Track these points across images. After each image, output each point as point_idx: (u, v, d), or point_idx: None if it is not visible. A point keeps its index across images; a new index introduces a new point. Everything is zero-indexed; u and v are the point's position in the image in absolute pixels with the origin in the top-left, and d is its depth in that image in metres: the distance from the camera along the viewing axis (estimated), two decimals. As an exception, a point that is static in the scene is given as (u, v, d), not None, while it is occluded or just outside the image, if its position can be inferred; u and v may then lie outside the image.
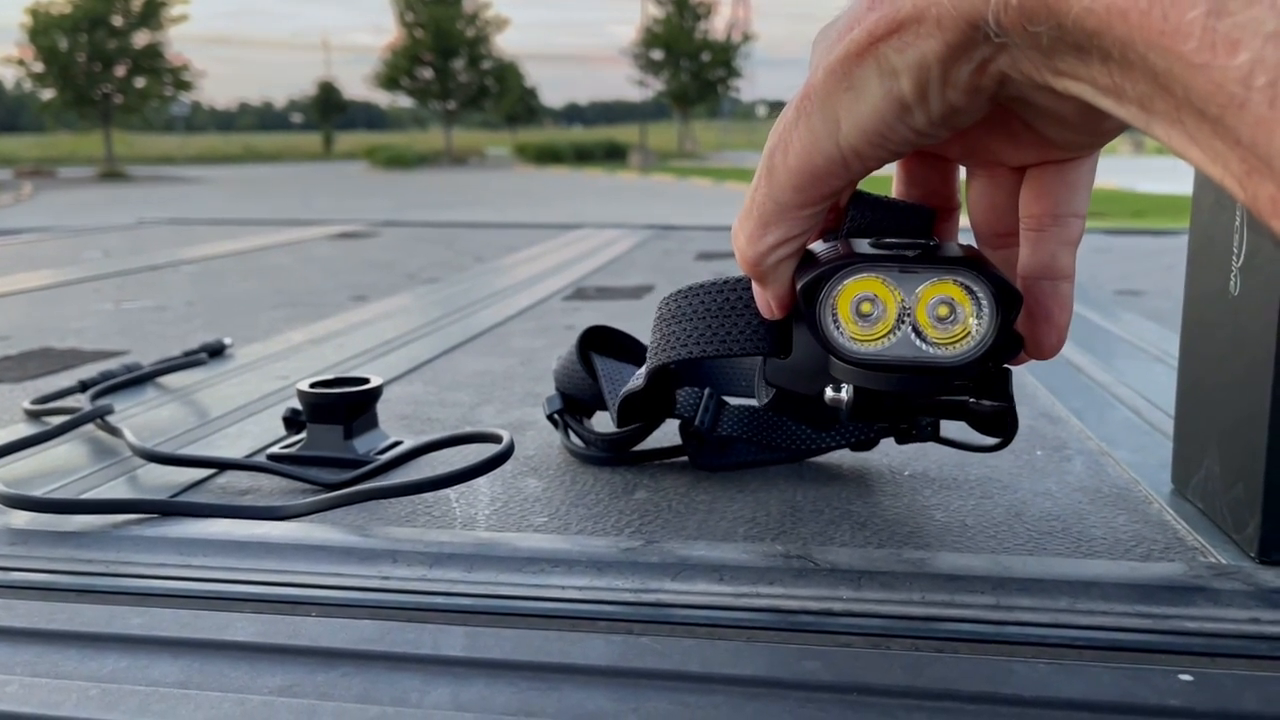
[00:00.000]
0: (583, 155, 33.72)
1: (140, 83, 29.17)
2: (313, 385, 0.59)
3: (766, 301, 0.38)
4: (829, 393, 0.37)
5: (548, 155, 33.18)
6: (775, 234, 0.35)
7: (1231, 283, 0.47)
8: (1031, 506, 0.52)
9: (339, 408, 0.58)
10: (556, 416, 0.63)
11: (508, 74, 39.87)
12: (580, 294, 1.32)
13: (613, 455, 0.60)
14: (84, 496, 0.54)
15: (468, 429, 0.60)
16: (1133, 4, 0.24)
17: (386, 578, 0.43)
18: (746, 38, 38.71)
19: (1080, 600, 0.40)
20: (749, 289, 0.41)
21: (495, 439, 0.54)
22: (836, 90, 0.30)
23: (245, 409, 0.72)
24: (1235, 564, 0.44)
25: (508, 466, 0.57)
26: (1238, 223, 0.46)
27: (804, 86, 0.31)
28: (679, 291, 0.44)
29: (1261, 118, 0.22)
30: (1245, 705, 0.34)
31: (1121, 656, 0.37)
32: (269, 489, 0.55)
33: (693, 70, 37.75)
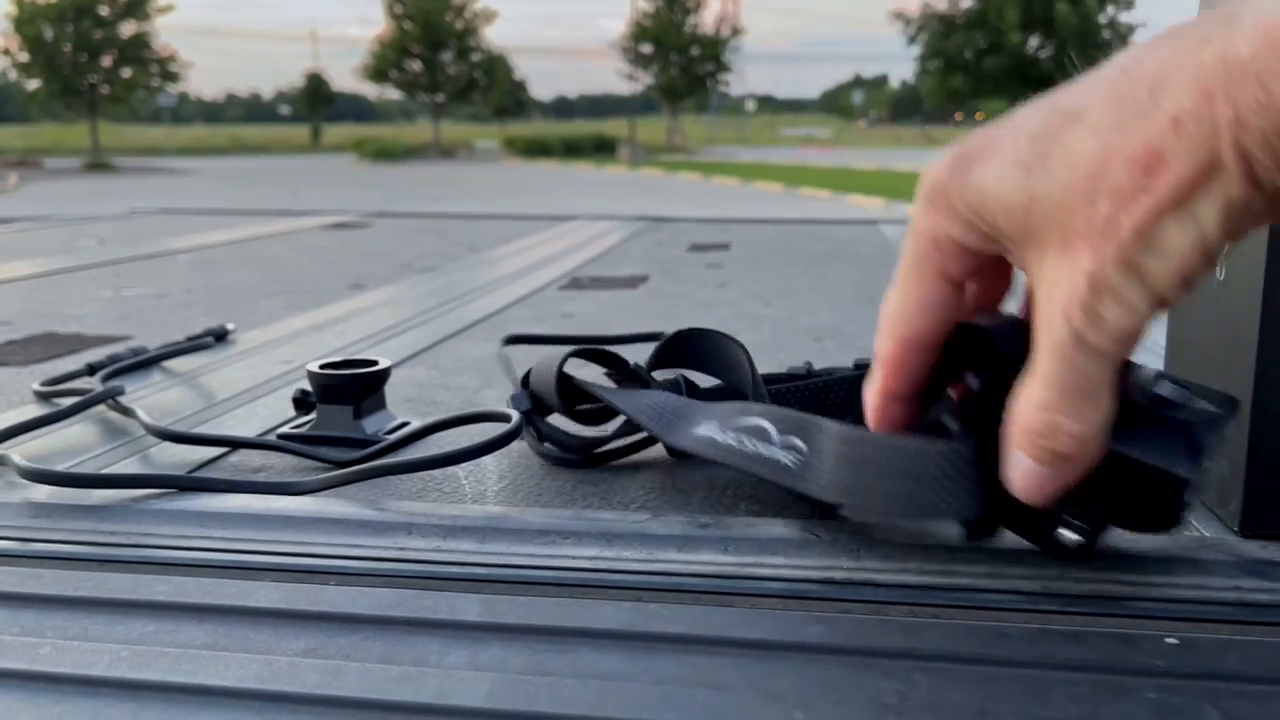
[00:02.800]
0: (571, 149, 33.70)
1: (127, 73, 29.01)
2: (322, 367, 0.61)
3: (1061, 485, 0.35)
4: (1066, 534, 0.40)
5: (536, 149, 33.15)
6: (1103, 406, 0.33)
7: (1218, 268, 0.49)
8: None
9: (349, 389, 0.60)
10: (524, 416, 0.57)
11: (496, 67, 39.80)
12: (576, 283, 1.34)
13: (587, 458, 0.57)
14: (103, 472, 0.55)
15: (474, 409, 0.62)
16: None
17: (402, 548, 0.45)
18: (736, 32, 38.74)
19: (1071, 569, 0.42)
20: (962, 457, 0.38)
21: (503, 418, 0.55)
22: (1137, 259, 0.29)
23: (251, 391, 0.73)
24: (1219, 537, 0.46)
25: (514, 445, 0.58)
26: (1223, 210, 0.48)
27: (1091, 265, 0.29)
28: (875, 442, 0.40)
29: None
30: (1228, 666, 0.36)
31: (1111, 621, 0.39)
32: (281, 466, 0.57)
33: (682, 64, 37.76)
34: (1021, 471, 0.35)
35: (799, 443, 0.44)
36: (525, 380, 0.58)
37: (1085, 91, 0.30)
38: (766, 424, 0.45)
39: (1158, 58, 0.28)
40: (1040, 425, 0.33)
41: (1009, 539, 0.45)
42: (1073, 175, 0.29)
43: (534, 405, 0.57)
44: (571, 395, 0.56)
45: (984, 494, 0.38)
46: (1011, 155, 0.30)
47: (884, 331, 0.37)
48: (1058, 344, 0.31)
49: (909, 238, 0.35)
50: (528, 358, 0.65)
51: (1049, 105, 0.31)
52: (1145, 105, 0.27)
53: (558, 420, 0.58)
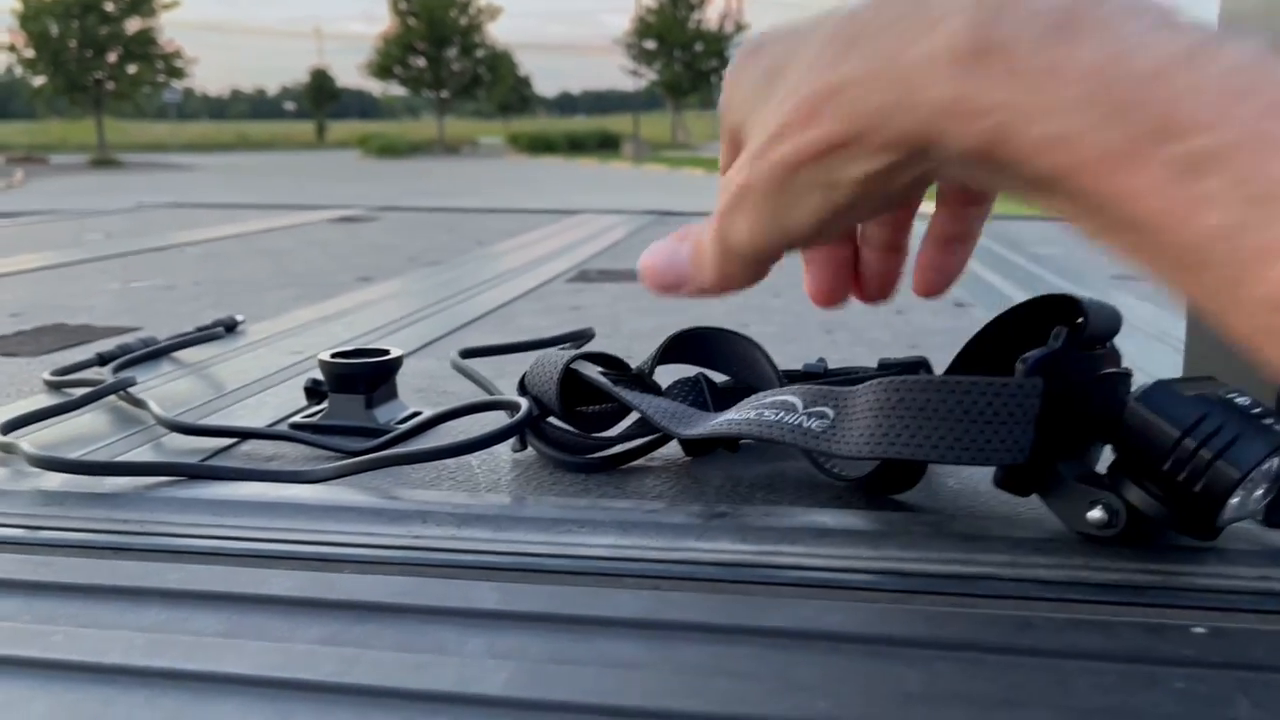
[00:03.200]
0: (576, 145, 33.69)
1: (132, 69, 29.04)
2: (334, 356, 0.60)
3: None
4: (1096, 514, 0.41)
5: (541, 145, 33.14)
6: (737, 275, 0.35)
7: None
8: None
9: (361, 378, 0.59)
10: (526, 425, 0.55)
11: (500, 63, 39.78)
12: (583, 276, 1.33)
13: (598, 461, 0.54)
14: (115, 460, 0.54)
15: (485, 398, 0.61)
16: (1084, 163, 0.24)
17: (417, 536, 0.44)
18: (739, 28, 38.69)
19: (1095, 558, 0.41)
20: (1027, 394, 0.39)
21: (515, 406, 0.55)
22: (774, 193, 0.31)
23: (262, 382, 0.73)
24: (1244, 527, 0.45)
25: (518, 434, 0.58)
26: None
27: (743, 177, 0.31)
28: (926, 382, 0.41)
29: (1225, 278, 0.22)
30: (1256, 656, 0.35)
31: (1137, 611, 0.38)
32: (293, 456, 0.56)
33: (686, 60, 37.73)
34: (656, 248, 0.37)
35: (827, 410, 0.43)
36: (521, 385, 0.56)
37: (825, 26, 0.30)
38: (792, 398, 0.45)
39: (886, 18, 0.28)
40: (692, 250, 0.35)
41: (1030, 529, 0.44)
42: (770, 101, 0.31)
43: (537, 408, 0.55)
44: (572, 399, 0.54)
45: (1034, 443, 0.39)
46: (763, 64, 0.32)
47: None
48: (718, 204, 0.33)
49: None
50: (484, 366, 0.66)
51: (808, 25, 0.32)
52: (842, 58, 0.29)
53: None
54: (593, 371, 0.54)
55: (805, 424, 0.43)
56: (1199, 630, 0.37)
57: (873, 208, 0.31)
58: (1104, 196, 0.24)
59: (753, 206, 0.32)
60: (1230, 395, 0.39)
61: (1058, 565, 0.41)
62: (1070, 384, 0.40)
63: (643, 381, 0.56)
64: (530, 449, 0.55)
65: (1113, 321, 0.42)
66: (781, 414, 0.44)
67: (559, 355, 0.54)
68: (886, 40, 0.27)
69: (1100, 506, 0.40)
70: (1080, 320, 0.40)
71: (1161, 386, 0.40)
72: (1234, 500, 0.38)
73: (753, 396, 0.48)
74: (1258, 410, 0.39)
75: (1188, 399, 0.39)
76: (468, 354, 0.70)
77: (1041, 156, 0.25)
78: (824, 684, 0.33)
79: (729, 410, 0.48)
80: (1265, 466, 0.38)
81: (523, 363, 0.58)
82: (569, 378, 0.53)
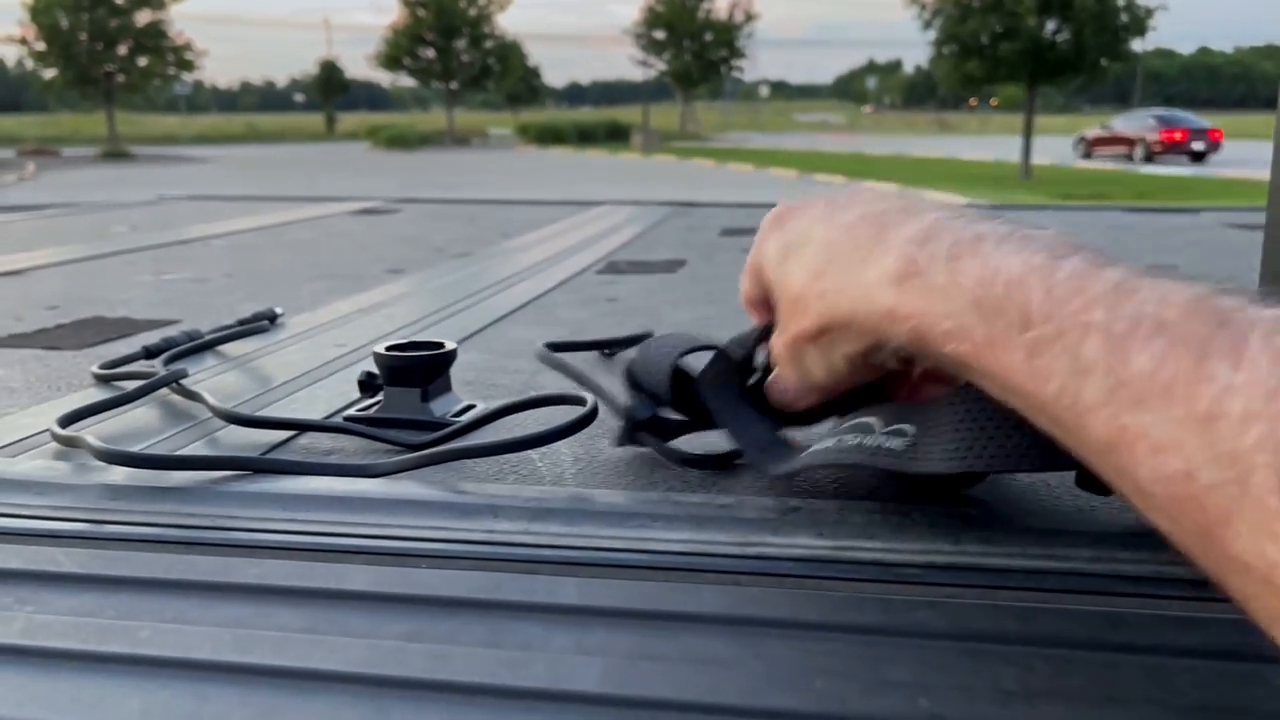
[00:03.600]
0: (585, 136, 33.63)
1: (143, 62, 29.03)
2: (389, 349, 0.60)
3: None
4: None
5: (550, 136, 33.10)
6: (801, 401, 0.49)
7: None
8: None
9: (418, 371, 0.59)
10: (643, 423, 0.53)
11: (510, 54, 39.69)
12: (613, 268, 1.33)
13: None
14: (178, 453, 0.54)
15: (542, 392, 0.61)
16: (976, 350, 0.34)
17: (490, 531, 0.44)
18: (749, 18, 38.53)
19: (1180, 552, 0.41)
20: None
21: (579, 401, 0.54)
22: (794, 360, 0.45)
23: (310, 375, 0.73)
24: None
25: (588, 429, 0.58)
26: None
27: (776, 348, 0.46)
28: None
29: (1072, 428, 0.31)
30: (1354, 653, 0.35)
31: (1227, 606, 0.37)
32: (351, 449, 0.56)
33: (695, 50, 37.60)
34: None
35: (906, 427, 0.43)
36: (633, 381, 0.54)
37: (826, 228, 0.43)
38: (869, 419, 0.45)
39: (857, 251, 0.40)
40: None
41: (1111, 523, 0.44)
42: (783, 283, 0.44)
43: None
44: (682, 393, 0.52)
45: None
46: (783, 239, 0.45)
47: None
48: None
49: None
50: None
51: (816, 216, 0.44)
52: (828, 265, 0.41)
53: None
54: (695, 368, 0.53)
55: (885, 444, 0.43)
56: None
57: (863, 372, 0.43)
58: (991, 372, 0.33)
59: (785, 365, 0.46)
60: None
61: (1144, 560, 0.41)
62: None
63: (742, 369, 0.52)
64: (629, 445, 0.54)
65: None
66: (860, 437, 0.45)
67: (662, 349, 0.53)
68: (853, 260, 0.39)
69: None
70: None
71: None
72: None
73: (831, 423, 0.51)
74: None
75: None
76: (555, 348, 0.68)
77: (948, 345, 0.35)
78: (922, 682, 0.33)
79: (815, 444, 0.48)
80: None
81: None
82: (678, 373, 0.52)
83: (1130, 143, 22.08)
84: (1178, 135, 21.82)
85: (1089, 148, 23.95)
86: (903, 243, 0.37)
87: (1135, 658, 0.35)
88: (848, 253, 0.40)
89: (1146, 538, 0.42)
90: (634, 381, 0.54)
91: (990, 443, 0.40)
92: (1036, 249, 0.33)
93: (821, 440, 0.47)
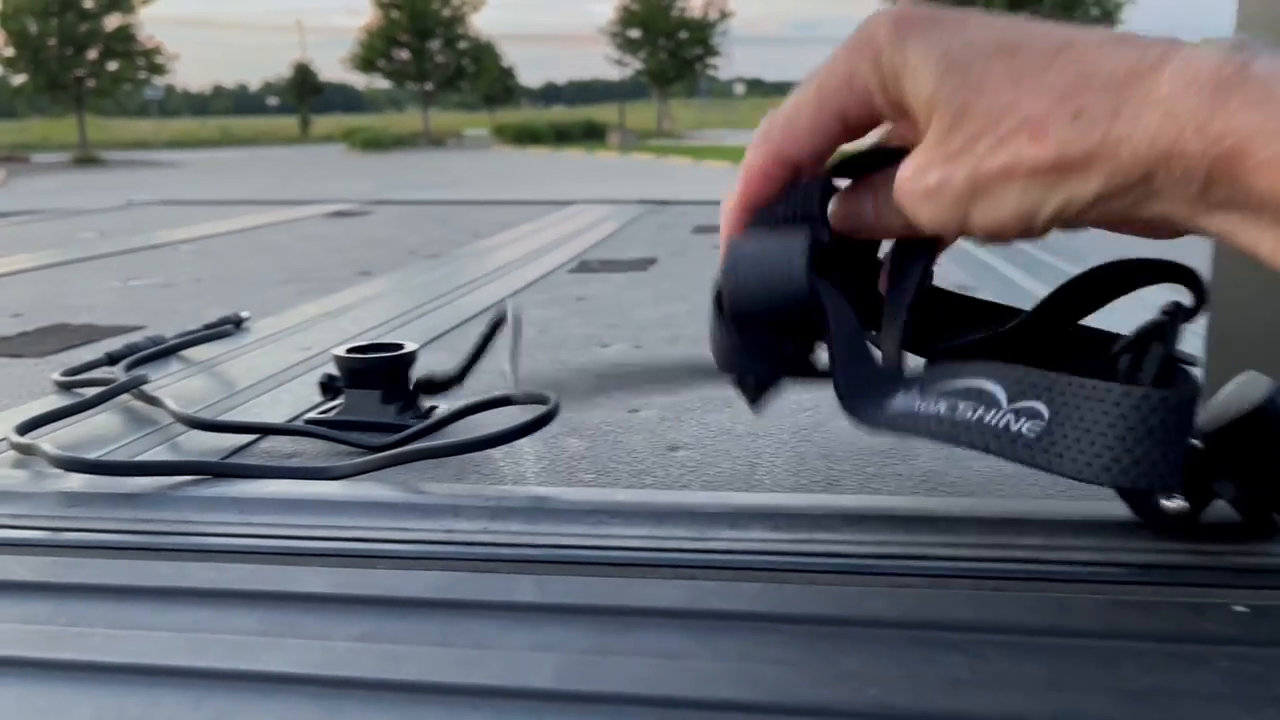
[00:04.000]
0: (561, 135, 33.59)
1: (113, 66, 28.81)
2: (349, 351, 0.60)
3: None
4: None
5: (526, 135, 33.02)
6: (919, 230, 0.36)
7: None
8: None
9: (377, 373, 0.59)
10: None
11: (485, 54, 39.62)
12: (585, 267, 1.33)
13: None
14: (137, 459, 0.54)
15: (502, 393, 0.61)
16: None
17: (449, 531, 0.44)
18: (723, 15, 38.60)
19: (1131, 540, 0.41)
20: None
21: (540, 400, 0.55)
22: (972, 195, 0.32)
23: (274, 378, 0.72)
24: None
25: (549, 427, 0.58)
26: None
27: (944, 172, 0.33)
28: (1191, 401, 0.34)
29: None
30: (1299, 634, 0.35)
31: (1177, 591, 0.38)
32: (313, 452, 0.56)
33: (670, 49, 37.64)
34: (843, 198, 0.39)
35: (1040, 406, 0.34)
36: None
37: (1044, 38, 0.32)
38: (992, 386, 0.36)
39: (1117, 54, 0.30)
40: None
41: (1064, 511, 0.44)
42: (979, 101, 0.32)
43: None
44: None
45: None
46: (943, 48, 0.33)
47: (763, 144, 0.38)
48: (896, 183, 0.35)
49: (825, 68, 0.36)
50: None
51: (1002, 26, 0.33)
52: (1069, 82, 0.30)
53: None
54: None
55: (1013, 427, 0.34)
56: (1240, 609, 0.37)
57: (1050, 229, 0.33)
58: None
59: (939, 203, 0.33)
60: None
61: (1095, 548, 0.41)
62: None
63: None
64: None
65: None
66: (980, 410, 0.35)
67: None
68: (1124, 69, 0.30)
69: (1177, 496, 0.40)
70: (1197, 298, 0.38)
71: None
72: None
73: (941, 369, 0.38)
74: None
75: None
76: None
77: (1272, 174, 0.27)
78: (873, 671, 0.33)
79: (910, 389, 0.38)
80: None
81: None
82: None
83: None
84: None
85: None
86: (1214, 48, 0.29)
87: (1085, 643, 0.35)
88: (1112, 61, 0.30)
89: (1096, 525, 0.43)
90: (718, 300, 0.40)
91: (1159, 456, 0.33)
92: None
93: (925, 395, 0.37)
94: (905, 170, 0.34)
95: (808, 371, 0.42)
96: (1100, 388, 0.34)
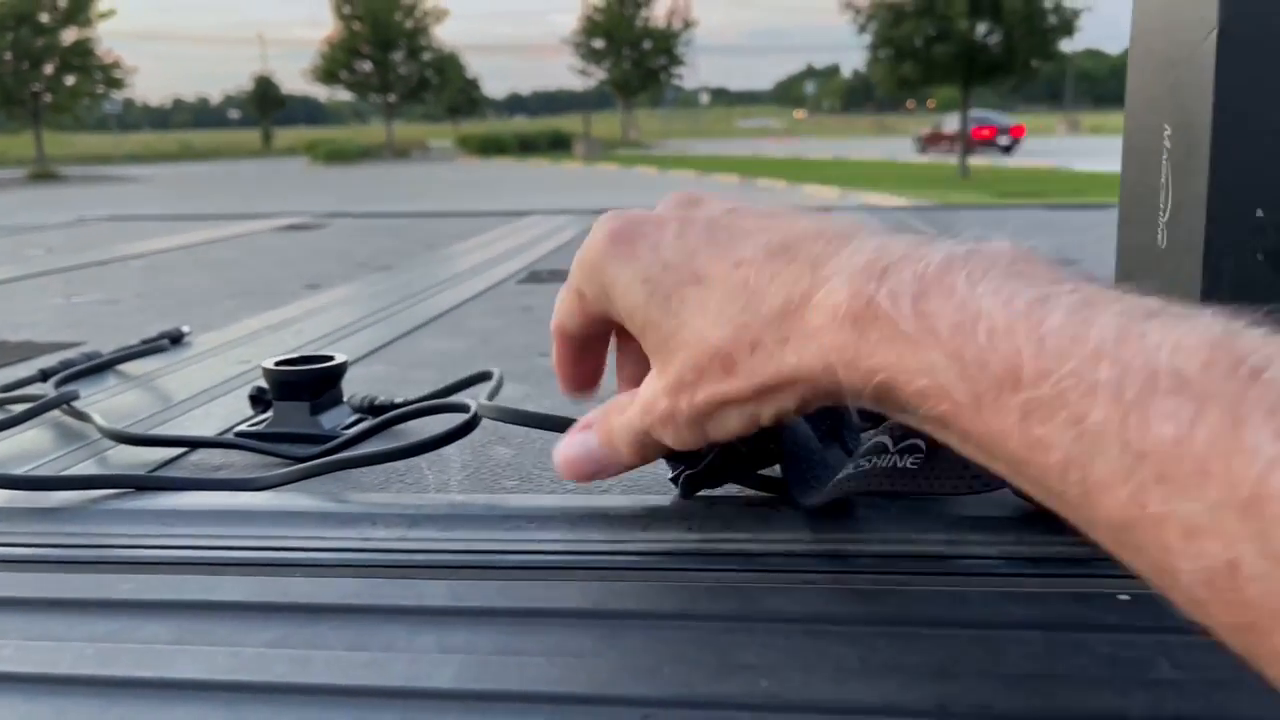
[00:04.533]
0: (527, 145, 33.56)
1: (70, 80, 28.46)
2: (278, 363, 0.60)
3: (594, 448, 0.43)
4: None
5: (491, 146, 32.98)
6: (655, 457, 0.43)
7: (1159, 236, 0.50)
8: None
9: (304, 385, 0.59)
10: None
11: (448, 65, 39.54)
12: (534, 277, 1.34)
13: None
14: (60, 474, 0.54)
15: (432, 401, 0.62)
16: (959, 411, 0.28)
17: (367, 539, 0.45)
18: (687, 25, 38.77)
19: (1026, 534, 0.43)
20: None
21: (461, 409, 0.55)
22: (698, 423, 0.37)
23: (209, 392, 0.73)
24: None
25: (476, 435, 0.58)
26: (1163, 179, 0.49)
27: (665, 407, 0.38)
28: None
29: (1078, 505, 0.26)
30: (1174, 620, 0.36)
31: (1067, 581, 0.40)
32: (240, 464, 0.56)
33: (634, 58, 37.74)
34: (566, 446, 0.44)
35: (919, 442, 0.40)
36: None
37: (725, 256, 0.36)
38: (883, 437, 0.42)
39: (780, 283, 0.34)
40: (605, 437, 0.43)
41: (968, 508, 0.46)
42: (680, 332, 0.37)
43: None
44: None
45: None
46: (644, 274, 0.38)
47: (554, 317, 0.45)
48: (636, 414, 0.40)
49: (573, 268, 0.43)
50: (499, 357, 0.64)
51: (694, 245, 0.38)
52: (745, 316, 0.35)
53: None
54: None
55: (899, 464, 0.40)
56: (1123, 597, 0.38)
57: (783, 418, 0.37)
58: (977, 437, 0.28)
59: (677, 429, 0.38)
60: None
61: (993, 542, 0.43)
62: None
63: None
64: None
65: None
66: (875, 459, 0.41)
67: None
68: (782, 301, 0.34)
69: None
70: None
71: None
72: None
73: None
74: None
75: None
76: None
77: (924, 404, 0.29)
78: (767, 664, 0.35)
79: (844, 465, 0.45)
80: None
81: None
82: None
83: (952, 139, 24.75)
84: (986, 132, 26.57)
85: (925, 144, 28.82)
86: (850, 275, 0.32)
87: (971, 632, 0.36)
88: (772, 292, 0.34)
89: (997, 521, 0.44)
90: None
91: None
92: (1017, 284, 0.28)
93: (845, 467, 0.44)
94: (644, 394, 0.39)
95: (748, 479, 0.49)
96: None
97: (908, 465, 0.40)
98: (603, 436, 0.42)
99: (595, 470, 0.43)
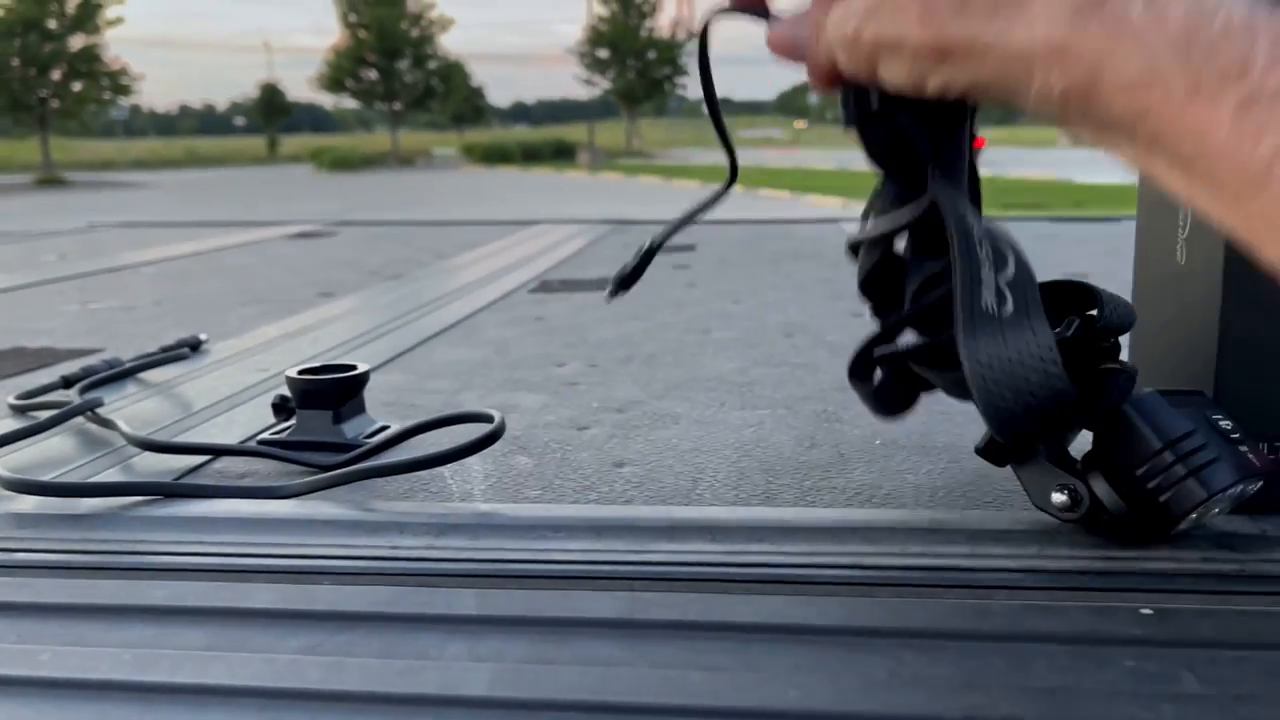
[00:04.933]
0: (531, 155, 33.62)
1: (77, 87, 28.53)
2: (301, 372, 0.61)
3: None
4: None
5: (496, 155, 33.03)
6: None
7: (1178, 253, 0.50)
8: (998, 468, 0.55)
9: (329, 393, 0.60)
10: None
11: (453, 74, 39.62)
12: (545, 287, 1.34)
13: None
14: (89, 480, 0.55)
15: (453, 411, 0.62)
16: (1168, 100, 0.28)
17: (395, 547, 0.45)
18: (691, 36, 38.82)
19: (1048, 547, 0.43)
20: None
21: (486, 419, 0.56)
22: (875, 55, 0.36)
23: (230, 400, 0.73)
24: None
25: (497, 445, 0.59)
26: (1183, 197, 0.50)
27: (856, 23, 0.36)
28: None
29: (1271, 196, 0.26)
30: (1201, 634, 0.37)
31: (1088, 595, 0.40)
32: (265, 472, 0.57)
33: (639, 68, 37.81)
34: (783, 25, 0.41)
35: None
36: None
37: None
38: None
39: None
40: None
41: (988, 521, 0.46)
42: None
43: None
44: None
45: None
46: None
47: None
48: (832, 22, 0.38)
49: None
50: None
51: None
52: None
53: None
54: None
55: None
56: (1146, 611, 0.38)
57: (960, 94, 0.35)
58: (1178, 132, 0.28)
59: (862, 53, 0.36)
60: (1216, 417, 0.41)
61: (1014, 555, 0.43)
62: (1073, 372, 0.39)
63: None
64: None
65: (1127, 317, 0.43)
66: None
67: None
68: None
69: (1065, 491, 0.42)
70: (1094, 311, 0.42)
71: (1155, 396, 0.41)
72: (1193, 515, 0.40)
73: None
74: (1237, 435, 0.41)
75: (1177, 413, 0.41)
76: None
77: (1129, 95, 0.29)
78: (795, 675, 0.35)
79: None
80: (1231, 491, 0.40)
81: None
82: None
83: None
84: None
85: None
86: None
87: (997, 645, 0.37)
88: None
89: (1017, 533, 0.44)
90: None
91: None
92: None
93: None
94: (834, 14, 0.38)
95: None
96: None
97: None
98: (811, 28, 0.40)
99: (792, 51, 0.41)
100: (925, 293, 0.45)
